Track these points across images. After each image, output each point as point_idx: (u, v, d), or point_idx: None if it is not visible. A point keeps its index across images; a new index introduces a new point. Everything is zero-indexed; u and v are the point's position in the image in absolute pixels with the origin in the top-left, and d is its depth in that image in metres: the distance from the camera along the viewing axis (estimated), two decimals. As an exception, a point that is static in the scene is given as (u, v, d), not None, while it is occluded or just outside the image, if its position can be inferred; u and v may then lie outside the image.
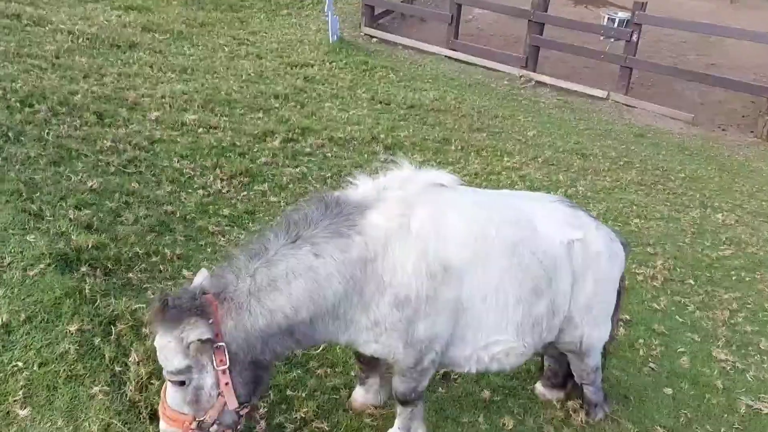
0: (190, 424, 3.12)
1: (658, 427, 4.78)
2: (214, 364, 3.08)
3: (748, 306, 7.19)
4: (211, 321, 3.05)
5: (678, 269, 7.83)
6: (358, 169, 8.92)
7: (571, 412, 4.74)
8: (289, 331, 3.25)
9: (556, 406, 4.80)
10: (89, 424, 3.36)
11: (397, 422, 3.93)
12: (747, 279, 7.93)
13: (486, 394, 4.67)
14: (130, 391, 3.63)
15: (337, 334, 3.45)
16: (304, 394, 4.14)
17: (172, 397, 3.17)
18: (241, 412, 3.26)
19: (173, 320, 3.00)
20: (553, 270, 3.76)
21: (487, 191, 4.06)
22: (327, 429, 3.93)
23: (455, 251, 3.45)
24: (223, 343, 3.08)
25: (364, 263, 3.31)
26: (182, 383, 3.10)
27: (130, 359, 3.84)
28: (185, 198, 6.69)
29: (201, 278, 3.37)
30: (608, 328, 4.26)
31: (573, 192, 10.06)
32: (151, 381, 3.74)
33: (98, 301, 4.29)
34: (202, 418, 3.14)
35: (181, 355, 3.03)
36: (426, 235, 3.40)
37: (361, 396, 4.25)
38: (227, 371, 3.10)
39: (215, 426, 3.18)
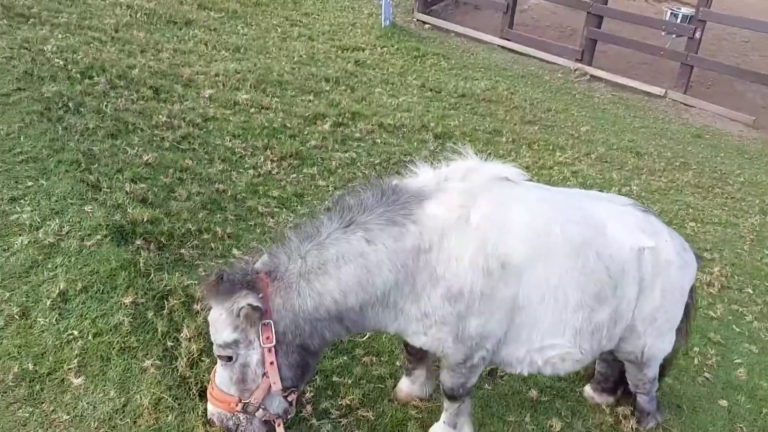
0: (236, 405, 3.12)
1: (714, 441, 4.62)
2: (261, 340, 3.06)
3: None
4: (261, 295, 3.04)
5: (736, 277, 7.55)
6: (407, 157, 8.87)
7: (621, 419, 4.60)
8: (338, 317, 3.21)
9: (605, 410, 4.67)
10: (140, 397, 3.38)
11: (443, 417, 3.86)
12: (813, 290, 7.61)
13: (533, 393, 4.57)
14: (181, 366, 3.64)
15: (387, 323, 3.40)
16: (349, 381, 4.10)
17: (220, 376, 3.18)
18: (289, 398, 3.23)
19: (225, 293, 3.02)
20: (620, 276, 3.61)
21: (555, 188, 3.91)
22: (372, 418, 3.88)
23: (515, 247, 3.33)
24: (270, 321, 3.06)
25: (417, 253, 3.23)
26: (229, 359, 3.10)
27: (181, 335, 3.85)
28: (236, 177, 6.71)
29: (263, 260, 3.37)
30: (672, 340, 4.10)
31: (627, 191, 9.79)
32: (202, 358, 3.75)
33: (152, 275, 4.31)
34: (247, 400, 3.12)
35: (230, 327, 3.04)
36: (486, 229, 3.29)
37: (406, 387, 4.19)
38: (273, 350, 3.08)
39: (261, 410, 3.17)
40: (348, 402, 3.94)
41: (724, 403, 5.09)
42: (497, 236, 3.30)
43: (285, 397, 3.21)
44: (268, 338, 3.07)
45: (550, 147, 11.11)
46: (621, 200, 4.05)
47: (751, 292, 7.27)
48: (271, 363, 3.10)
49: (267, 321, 3.05)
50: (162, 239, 4.89)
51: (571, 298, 3.50)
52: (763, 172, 13.02)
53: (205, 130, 7.55)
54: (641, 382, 4.31)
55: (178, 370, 3.62)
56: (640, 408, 4.56)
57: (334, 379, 4.10)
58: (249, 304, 2.97)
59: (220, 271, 3.10)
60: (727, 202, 10.50)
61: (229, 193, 6.27)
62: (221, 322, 3.05)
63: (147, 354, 3.66)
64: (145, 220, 4.92)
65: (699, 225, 9.16)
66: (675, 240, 3.95)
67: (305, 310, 3.12)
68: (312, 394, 3.90)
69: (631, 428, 4.53)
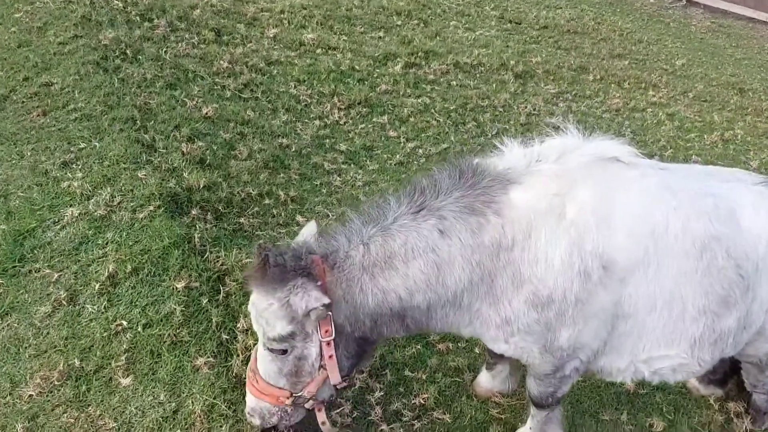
0: (287, 399, 2.76)
1: (839, 446, 3.99)
2: (320, 333, 2.66)
3: None
4: (319, 283, 2.60)
5: None
6: (485, 101, 8.19)
7: (733, 417, 4.03)
8: (400, 315, 2.76)
9: (713, 405, 4.10)
10: (192, 403, 3.07)
11: (529, 422, 3.41)
12: None
13: (630, 386, 4.04)
14: (237, 365, 3.30)
15: (459, 326, 2.91)
16: (423, 377, 3.69)
17: (266, 367, 2.77)
18: (339, 386, 2.86)
19: (276, 280, 2.58)
20: (754, 276, 2.97)
21: (676, 167, 3.22)
22: (449, 420, 3.47)
23: (621, 246, 2.74)
24: (330, 313, 2.65)
25: (497, 250, 2.70)
26: (284, 351, 2.71)
27: (238, 326, 3.51)
28: (301, 129, 6.25)
29: (308, 231, 2.91)
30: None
31: (731, 135, 8.79)
32: (259, 355, 3.39)
33: (207, 251, 3.97)
34: (299, 393, 2.77)
35: (285, 320, 2.62)
36: (585, 223, 2.70)
37: (487, 381, 3.75)
38: (332, 343, 2.69)
39: (311, 402, 2.82)
40: (422, 401, 3.54)
41: None
42: (599, 232, 2.71)
43: (336, 386, 2.84)
44: (327, 332, 2.67)
45: (642, 85, 10.08)
46: (752, 178, 3.34)
47: None
48: (330, 356, 2.72)
49: (327, 313, 2.65)
50: (220, 207, 4.52)
51: (690, 304, 2.90)
52: None
53: (268, 75, 7.08)
54: (761, 383, 3.71)
55: (233, 369, 3.28)
56: (756, 406, 3.97)
57: (407, 373, 3.69)
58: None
59: (265, 251, 2.61)
60: None
61: (293, 149, 5.84)
62: (273, 314, 2.63)
63: (200, 350, 3.33)
64: (201, 186, 4.56)
65: (815, 176, 8.12)
66: None
67: (366, 305, 2.70)
68: (382, 393, 3.51)
69: (745, 429, 3.96)
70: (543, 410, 3.28)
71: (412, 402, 3.53)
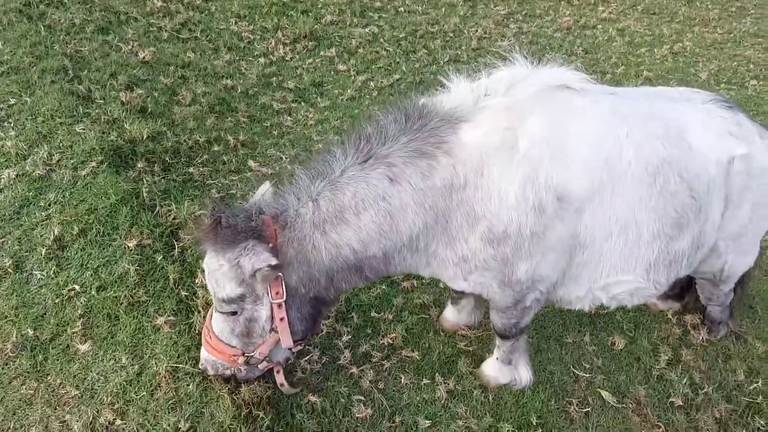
0: (238, 358, 2.74)
1: (791, 344, 4.16)
2: (270, 295, 2.61)
3: None
4: (270, 245, 2.53)
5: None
6: (434, 27, 7.97)
7: (690, 329, 4.15)
8: (357, 266, 2.71)
9: (671, 319, 4.21)
10: (156, 363, 2.99)
11: (495, 353, 3.44)
12: None
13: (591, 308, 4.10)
14: (199, 322, 3.20)
15: (417, 267, 2.87)
16: (390, 316, 3.67)
17: (219, 326, 2.74)
18: (294, 350, 2.84)
19: (227, 241, 2.51)
20: (706, 196, 2.97)
21: (625, 91, 3.14)
22: (418, 358, 3.48)
23: (576, 176, 2.69)
24: (280, 274, 2.58)
25: (449, 191, 2.64)
26: (233, 313, 2.66)
27: (196, 281, 3.40)
28: (246, 68, 5.99)
29: (263, 192, 2.82)
30: (756, 254, 3.52)
31: (680, 48, 8.78)
32: (221, 309, 3.30)
33: (158, 206, 3.81)
34: (251, 354, 2.75)
35: (235, 281, 2.56)
36: (538, 156, 2.64)
37: (452, 316, 3.76)
38: (284, 305, 2.64)
39: (264, 363, 2.81)
40: (390, 341, 3.53)
41: (801, 298, 4.59)
42: (552, 164, 2.65)
43: (290, 349, 2.80)
44: (278, 293, 2.62)
45: (592, 1, 9.95)
46: (701, 96, 3.30)
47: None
48: (281, 319, 2.67)
49: (277, 274, 2.58)
50: (167, 158, 4.33)
51: (645, 229, 2.89)
52: (830, 12, 11.70)
53: (206, 12, 6.72)
54: (714, 296, 3.81)
55: (195, 326, 3.19)
56: (711, 318, 4.10)
57: (373, 315, 3.67)
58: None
59: (217, 211, 2.56)
60: (791, 53, 9.43)
61: (239, 89, 5.60)
62: (223, 275, 2.57)
63: (159, 309, 3.23)
64: (145, 137, 4.34)
65: (762, 83, 8.22)
66: (766, 139, 3.26)
67: (320, 261, 2.64)
68: (349, 336, 3.48)
69: (702, 339, 4.08)
70: (508, 341, 3.30)
71: (381, 342, 3.52)
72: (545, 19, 8.91)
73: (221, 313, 2.68)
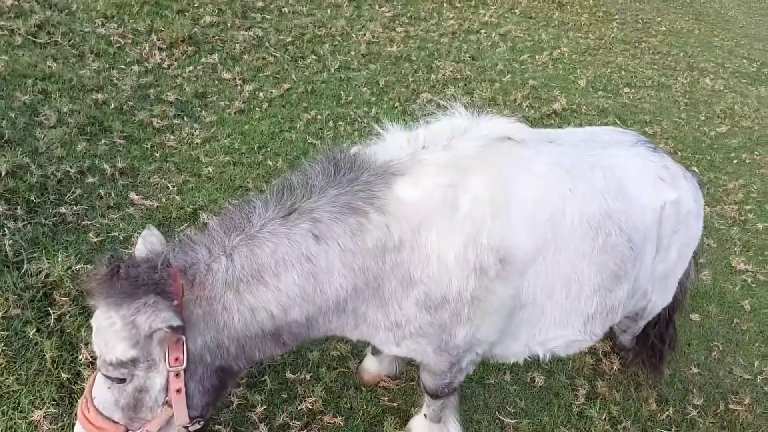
0: None
1: (693, 367, 4.29)
2: (168, 361, 2.20)
3: (752, 195, 6.68)
4: (175, 303, 2.14)
5: (679, 153, 7.15)
6: (321, 29, 7.58)
7: (601, 357, 4.18)
8: (274, 333, 2.37)
9: (584, 350, 4.19)
10: (36, 474, 2.46)
11: (424, 409, 3.21)
12: (747, 162, 7.39)
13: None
14: (88, 412, 2.68)
15: (344, 330, 2.57)
16: (308, 376, 3.33)
17: (102, 395, 2.27)
18: (191, 429, 2.38)
19: (124, 295, 2.10)
20: (642, 246, 2.90)
21: (561, 137, 2.98)
22: (341, 423, 3.17)
23: (520, 237, 2.50)
24: (183, 337, 2.19)
25: (382, 252, 2.36)
26: (122, 380, 2.22)
27: (80, 358, 2.86)
28: (118, 78, 5.33)
29: (149, 239, 2.38)
30: (674, 291, 3.53)
31: (558, 54, 9.01)
32: (115, 392, 2.79)
33: (25, 262, 3.20)
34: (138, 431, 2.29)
35: (127, 342, 2.14)
36: (480, 216, 2.41)
37: (373, 367, 3.49)
38: (182, 374, 2.23)
39: None
40: (309, 405, 3.19)
41: (696, 317, 4.78)
42: (495, 224, 2.44)
43: (186, 428, 2.38)
44: (177, 360, 2.20)
45: (473, 3, 10.00)
46: (629, 137, 3.23)
47: (696, 170, 6.90)
48: (178, 390, 2.24)
49: (179, 338, 2.18)
50: (32, 197, 3.68)
51: (586, 285, 2.77)
52: (681, 18, 12.61)
53: (67, 12, 5.93)
54: (630, 329, 3.83)
55: (83, 419, 2.67)
56: (622, 346, 4.17)
57: (288, 375, 3.31)
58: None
59: (115, 259, 2.16)
60: (655, 60, 10.00)
61: (111, 105, 4.95)
62: (115, 333, 2.14)
63: (35, 399, 2.67)
64: (4, 172, 3.66)
65: (633, 90, 8.63)
66: (689, 180, 3.26)
67: (231, 326, 2.27)
68: (264, 406, 3.10)
69: (616, 369, 4.11)
70: (439, 399, 3.09)
71: (299, 408, 3.18)
72: (430, 22, 8.79)
73: (107, 377, 2.23)
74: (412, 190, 2.38)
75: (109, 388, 2.24)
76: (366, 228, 2.33)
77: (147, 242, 2.38)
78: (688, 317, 4.77)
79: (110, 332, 2.13)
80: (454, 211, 2.39)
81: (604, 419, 3.70)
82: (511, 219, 2.48)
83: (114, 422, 2.25)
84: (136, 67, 5.56)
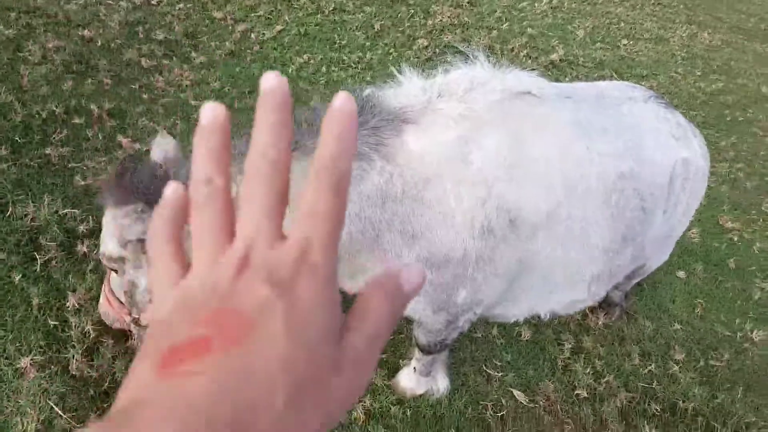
0: (126, 316, 2.53)
1: (676, 324, 4.34)
2: None
3: (743, 154, 6.66)
4: None
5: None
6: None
7: (588, 312, 4.20)
8: None
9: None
10: (21, 420, 2.44)
11: (414, 363, 3.23)
12: (740, 119, 7.34)
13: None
14: (76, 359, 2.66)
15: (341, 277, 2.53)
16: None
17: (114, 277, 2.51)
18: None
19: (123, 196, 2.20)
20: (653, 205, 2.84)
21: (579, 93, 2.83)
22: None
23: (533, 199, 2.39)
24: None
25: (382, 200, 2.28)
26: (116, 271, 2.40)
27: (68, 304, 2.83)
28: (105, 14, 5.15)
29: (163, 148, 2.38)
30: (671, 250, 3.50)
31: (558, 3, 8.80)
32: (102, 340, 2.76)
33: (10, 205, 3.13)
34: (137, 316, 2.49)
35: (116, 241, 2.26)
36: (492, 174, 2.30)
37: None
38: None
39: None
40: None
41: (681, 274, 4.81)
42: (507, 183, 2.33)
43: None
44: None
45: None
46: (640, 93, 3.11)
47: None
48: None
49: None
50: (16, 137, 3.59)
51: (595, 248, 2.71)
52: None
53: (49, -60, 5.66)
54: (622, 286, 3.84)
55: (71, 367, 2.65)
56: (611, 301, 4.17)
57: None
58: (138, 239, 2.20)
59: (126, 162, 2.25)
60: (655, 11, 9.81)
61: (99, 42, 4.80)
62: (108, 231, 2.28)
63: (21, 346, 2.64)
64: (-14, 111, 3.56)
65: (632, 42, 8.48)
66: (698, 137, 3.17)
67: None
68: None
69: (601, 324, 4.15)
70: (430, 355, 3.10)
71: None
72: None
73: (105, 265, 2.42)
74: (423, 139, 2.28)
75: (116, 273, 2.43)
76: (368, 174, 2.25)
77: (161, 148, 2.34)
78: (675, 274, 4.81)
79: (106, 228, 2.27)
80: (466, 166, 2.29)
81: (588, 373, 3.75)
82: (525, 179, 2.38)
83: (120, 303, 2.51)
84: (124, 3, 5.38)
